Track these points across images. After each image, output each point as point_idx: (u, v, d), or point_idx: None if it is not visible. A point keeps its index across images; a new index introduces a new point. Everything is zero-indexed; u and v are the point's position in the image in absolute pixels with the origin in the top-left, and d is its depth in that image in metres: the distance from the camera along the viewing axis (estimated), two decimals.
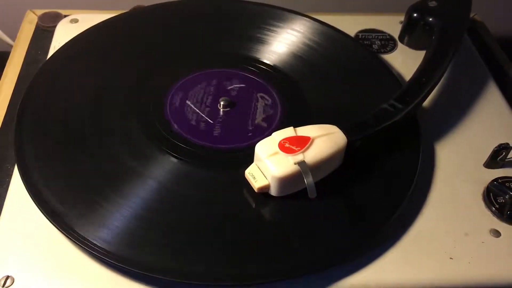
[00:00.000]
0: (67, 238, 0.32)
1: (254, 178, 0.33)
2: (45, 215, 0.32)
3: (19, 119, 0.38)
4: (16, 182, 0.35)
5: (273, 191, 0.33)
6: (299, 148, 0.32)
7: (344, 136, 0.34)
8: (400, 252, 0.33)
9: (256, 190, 0.33)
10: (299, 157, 0.32)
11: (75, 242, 0.31)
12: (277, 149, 0.32)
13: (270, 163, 0.32)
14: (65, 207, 0.33)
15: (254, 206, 0.34)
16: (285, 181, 0.32)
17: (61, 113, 0.38)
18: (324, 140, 0.33)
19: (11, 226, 0.33)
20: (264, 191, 0.34)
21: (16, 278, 0.31)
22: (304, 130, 0.34)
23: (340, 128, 0.34)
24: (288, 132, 0.33)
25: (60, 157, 0.36)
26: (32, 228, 0.33)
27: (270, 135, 0.34)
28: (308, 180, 0.31)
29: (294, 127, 0.34)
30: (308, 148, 0.32)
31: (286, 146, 0.32)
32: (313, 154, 0.32)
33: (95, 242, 0.31)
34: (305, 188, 0.31)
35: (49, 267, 0.32)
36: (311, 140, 0.33)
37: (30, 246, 0.32)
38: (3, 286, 0.30)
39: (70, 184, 0.34)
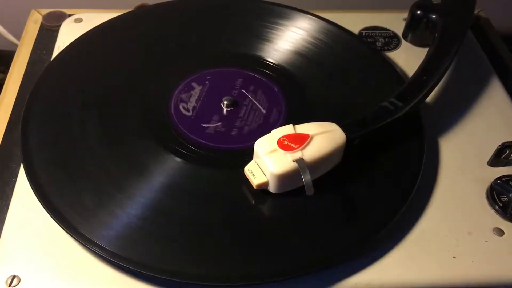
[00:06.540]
0: (72, 238, 0.32)
1: (253, 175, 0.33)
2: (51, 215, 0.32)
3: (25, 119, 0.38)
4: (22, 182, 0.35)
5: (271, 188, 0.33)
6: (298, 146, 0.32)
7: (343, 133, 0.34)
8: (403, 251, 0.33)
9: (254, 187, 0.33)
10: (297, 154, 0.32)
11: (81, 243, 0.31)
12: (276, 146, 0.32)
13: (268, 160, 0.32)
14: (71, 208, 0.33)
15: (253, 203, 0.34)
16: (284, 178, 0.32)
17: (66, 113, 0.39)
18: (323, 137, 0.33)
19: (18, 225, 0.33)
20: (262, 188, 0.34)
21: (22, 278, 0.31)
22: (303, 128, 0.33)
23: (340, 126, 0.34)
24: (287, 129, 0.33)
25: (66, 157, 0.36)
26: (38, 228, 0.33)
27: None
28: (306, 177, 0.30)
29: (294, 124, 0.34)
30: (306, 145, 0.32)
31: (285, 144, 0.32)
32: (311, 151, 0.32)
33: (100, 243, 0.31)
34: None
35: (55, 266, 0.32)
36: (309, 138, 0.33)
37: (36, 246, 0.32)
38: (10, 285, 0.31)
39: (76, 185, 0.34)
